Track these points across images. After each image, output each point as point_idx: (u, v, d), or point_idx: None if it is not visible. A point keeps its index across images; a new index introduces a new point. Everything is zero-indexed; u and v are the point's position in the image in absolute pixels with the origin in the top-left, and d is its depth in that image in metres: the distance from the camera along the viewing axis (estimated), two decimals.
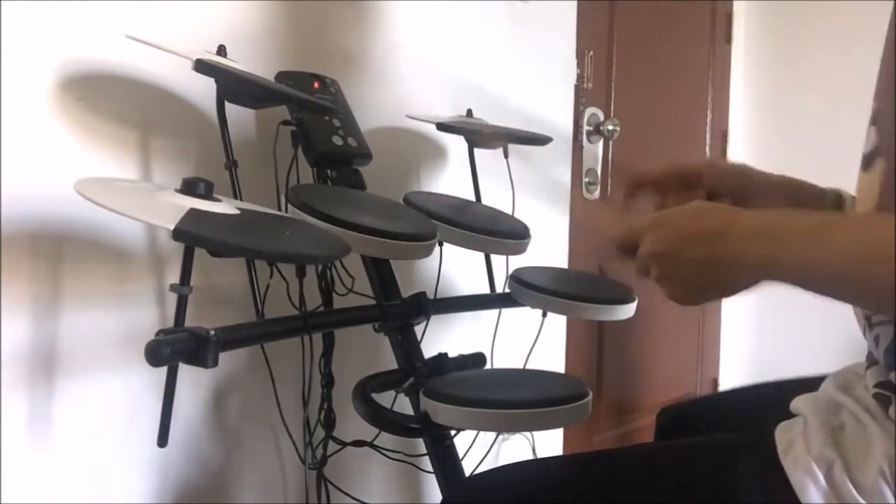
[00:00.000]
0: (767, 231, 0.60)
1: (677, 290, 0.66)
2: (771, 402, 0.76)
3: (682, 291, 0.66)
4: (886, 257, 0.52)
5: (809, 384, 0.76)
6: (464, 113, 1.34)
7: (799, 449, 0.65)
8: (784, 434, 0.68)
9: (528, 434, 1.61)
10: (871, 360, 0.68)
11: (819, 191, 0.87)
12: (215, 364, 0.76)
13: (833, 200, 0.86)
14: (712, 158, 0.85)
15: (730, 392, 1.10)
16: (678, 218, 0.67)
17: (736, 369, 2.57)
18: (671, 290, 0.66)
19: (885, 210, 0.65)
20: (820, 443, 0.65)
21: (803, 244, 0.57)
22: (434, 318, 1.11)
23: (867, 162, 0.69)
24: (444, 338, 1.30)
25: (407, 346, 1.07)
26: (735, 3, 2.50)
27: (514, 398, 0.95)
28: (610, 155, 1.98)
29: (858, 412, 0.66)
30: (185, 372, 0.78)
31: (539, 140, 1.35)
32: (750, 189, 0.88)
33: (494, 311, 1.37)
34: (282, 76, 1.12)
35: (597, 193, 1.94)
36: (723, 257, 0.61)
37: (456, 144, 1.40)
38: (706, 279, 0.64)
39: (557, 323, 1.74)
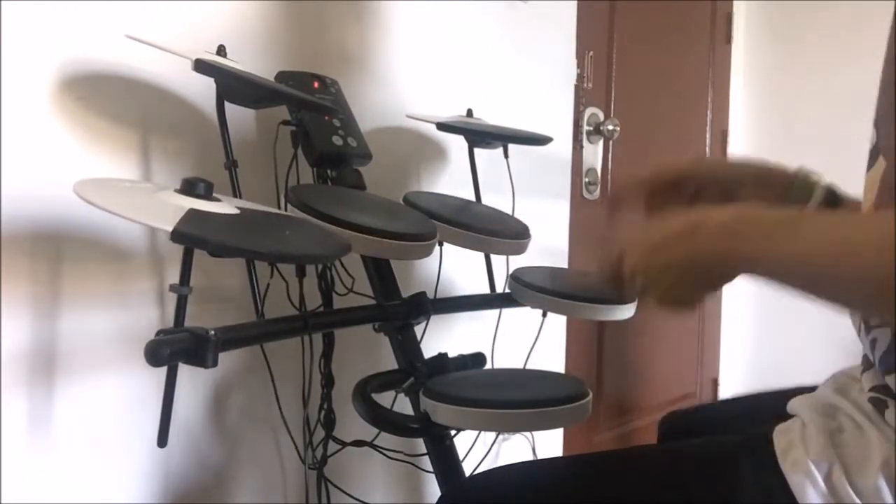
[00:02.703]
0: (734, 226, 0.60)
1: (665, 297, 0.66)
2: (772, 408, 0.76)
3: (670, 297, 0.65)
4: (852, 253, 0.52)
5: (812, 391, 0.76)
6: (464, 113, 1.34)
7: (798, 451, 0.65)
8: (782, 436, 0.68)
9: (528, 434, 1.61)
10: (867, 364, 0.68)
11: (788, 179, 0.86)
12: (215, 364, 0.76)
13: (799, 191, 0.84)
14: (697, 158, 0.85)
15: (731, 400, 1.10)
16: (647, 230, 0.68)
17: (736, 369, 2.57)
18: (659, 298, 0.66)
19: (881, 209, 0.65)
20: (818, 445, 0.65)
21: (769, 237, 0.57)
22: (434, 318, 1.11)
23: (871, 161, 0.69)
24: (444, 338, 1.30)
25: (407, 346, 1.07)
26: (735, 3, 2.50)
27: (514, 398, 0.95)
28: (610, 155, 1.98)
29: (855, 415, 0.66)
30: (185, 372, 0.78)
31: (539, 140, 1.35)
32: (733, 185, 0.87)
33: (494, 311, 1.37)
34: (282, 76, 1.12)
35: (597, 193, 1.94)
36: (694, 255, 0.62)
37: (456, 144, 1.40)
38: (685, 280, 0.64)
39: (557, 323, 1.74)
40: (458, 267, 1.35)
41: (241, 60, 0.99)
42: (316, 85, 1.14)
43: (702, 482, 0.69)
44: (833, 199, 0.83)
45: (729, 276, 0.63)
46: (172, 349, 0.74)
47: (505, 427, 1.25)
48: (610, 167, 1.98)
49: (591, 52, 1.88)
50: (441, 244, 1.12)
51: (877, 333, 0.67)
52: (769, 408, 0.77)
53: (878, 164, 0.67)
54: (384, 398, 1.01)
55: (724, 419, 0.93)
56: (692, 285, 0.64)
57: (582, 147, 1.88)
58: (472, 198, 1.33)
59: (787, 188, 0.84)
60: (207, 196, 0.78)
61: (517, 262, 1.26)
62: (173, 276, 0.77)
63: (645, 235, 0.67)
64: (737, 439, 0.71)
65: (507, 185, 1.32)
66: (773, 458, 0.66)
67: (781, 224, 0.58)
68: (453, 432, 1.05)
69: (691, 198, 0.87)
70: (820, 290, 0.56)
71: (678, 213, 0.66)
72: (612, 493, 0.72)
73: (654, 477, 0.72)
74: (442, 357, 1.08)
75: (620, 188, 0.89)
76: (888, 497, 0.60)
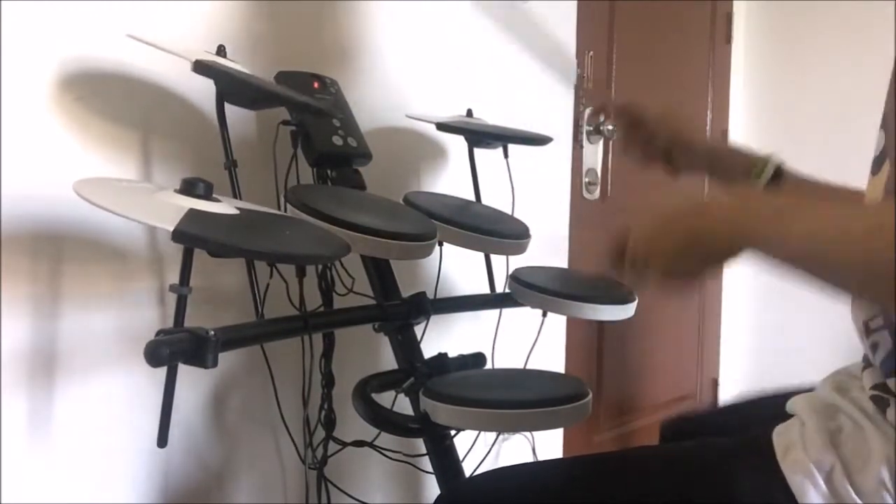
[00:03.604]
0: (740, 208, 0.64)
1: (666, 267, 0.68)
2: (774, 411, 0.76)
3: (670, 267, 0.68)
4: (852, 237, 0.55)
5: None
6: (464, 113, 1.34)
7: (798, 452, 0.65)
8: (782, 437, 0.68)
9: (528, 434, 1.61)
10: (868, 362, 0.68)
11: (746, 161, 0.96)
12: (215, 364, 0.76)
13: (757, 173, 0.93)
14: (665, 113, 1.04)
15: (733, 406, 1.10)
16: (660, 210, 0.70)
17: (736, 369, 2.57)
18: (662, 270, 0.69)
19: None
20: (819, 446, 0.65)
21: (773, 220, 0.60)
22: (434, 318, 1.11)
23: (876, 166, 0.69)
24: (444, 338, 1.30)
25: (407, 346, 1.07)
26: (735, 3, 2.50)
27: (514, 398, 0.95)
28: (610, 155, 1.98)
29: (855, 414, 0.66)
30: (185, 372, 0.78)
31: (539, 140, 1.35)
32: (678, 144, 1.01)
33: (494, 311, 1.37)
34: (282, 76, 1.12)
35: (597, 193, 1.94)
36: (701, 230, 0.66)
37: (456, 144, 1.40)
38: (689, 252, 0.67)
39: (557, 323, 1.74)
40: (458, 267, 1.35)
41: (241, 60, 0.99)
42: (316, 85, 1.14)
43: (702, 483, 0.69)
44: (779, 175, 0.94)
45: (730, 254, 0.65)
46: (172, 349, 0.74)
47: (505, 427, 1.25)
48: (610, 167, 1.98)
49: (591, 52, 1.88)
50: (441, 244, 1.12)
51: (877, 337, 0.67)
52: (770, 411, 0.77)
53: (884, 171, 0.67)
54: (384, 398, 1.01)
55: (725, 424, 0.93)
56: (695, 259, 0.67)
57: (582, 147, 1.88)
58: (472, 198, 1.33)
59: (742, 168, 0.95)
60: (207, 196, 0.78)
61: (517, 262, 1.26)
62: (173, 277, 0.77)
63: (655, 215, 0.70)
64: (737, 440, 0.71)
65: (507, 185, 1.32)
66: (773, 459, 0.66)
67: (786, 206, 0.61)
68: (453, 432, 1.05)
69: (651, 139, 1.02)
70: (819, 272, 0.58)
71: (685, 198, 0.69)
72: (611, 494, 0.72)
73: (655, 478, 0.72)
74: (442, 357, 1.08)
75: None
76: (889, 497, 0.60)
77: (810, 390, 0.77)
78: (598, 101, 1.12)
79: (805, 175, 0.97)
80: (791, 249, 0.59)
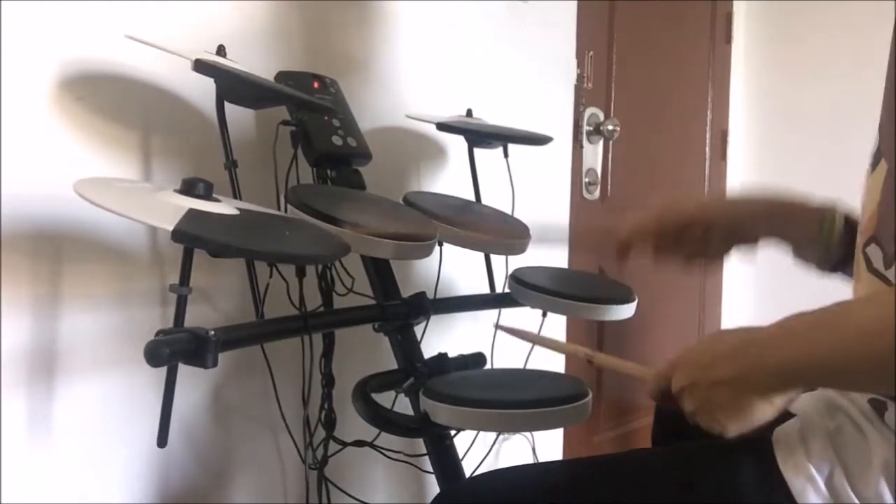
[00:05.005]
0: (781, 333, 0.62)
1: (717, 418, 0.65)
2: None
3: (722, 418, 0.65)
4: (883, 331, 0.53)
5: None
6: (464, 113, 1.34)
7: (798, 454, 0.65)
8: (782, 439, 0.68)
9: (528, 434, 1.61)
10: None
11: (813, 215, 0.85)
12: (215, 364, 0.76)
13: (828, 227, 0.84)
14: (703, 201, 0.90)
15: None
16: (697, 349, 0.68)
17: None
18: (711, 420, 0.66)
19: (883, 211, 0.65)
20: (819, 448, 0.65)
21: (816, 335, 0.59)
22: (434, 318, 1.11)
23: (872, 164, 0.69)
24: (444, 338, 1.30)
25: (407, 346, 1.07)
26: (735, 3, 2.50)
27: (514, 398, 0.95)
28: (610, 155, 1.98)
29: (855, 415, 0.66)
30: (185, 372, 0.78)
31: (539, 140, 1.35)
32: (743, 224, 0.87)
33: (494, 311, 1.37)
34: (282, 76, 1.12)
35: (597, 193, 1.94)
36: (746, 371, 0.63)
37: (456, 144, 1.40)
38: (738, 398, 0.64)
39: (557, 323, 1.74)
40: (458, 267, 1.35)
41: (241, 60, 0.99)
42: (316, 85, 1.14)
43: (702, 484, 0.69)
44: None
45: (783, 389, 0.63)
46: (172, 349, 0.74)
47: (505, 427, 1.25)
48: (610, 167, 1.98)
49: (591, 52, 1.88)
50: (441, 244, 1.12)
51: None
52: None
53: (881, 168, 0.67)
54: (384, 398, 1.01)
55: None
56: (743, 404, 0.64)
57: (582, 147, 1.88)
58: (472, 198, 1.33)
59: (810, 223, 0.83)
60: (207, 196, 0.78)
61: (517, 262, 1.26)
62: (173, 277, 0.77)
63: (692, 356, 0.67)
64: (736, 440, 0.71)
65: (507, 185, 1.32)
66: (773, 460, 0.66)
67: (821, 320, 0.60)
68: (453, 432, 1.05)
69: (699, 240, 0.87)
70: (871, 376, 0.58)
71: (721, 331, 0.67)
72: (612, 495, 0.72)
73: (655, 479, 0.72)
74: (442, 357, 1.08)
75: (627, 234, 0.89)
76: (889, 499, 0.60)
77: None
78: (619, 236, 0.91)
79: None
80: (838, 361, 0.58)
